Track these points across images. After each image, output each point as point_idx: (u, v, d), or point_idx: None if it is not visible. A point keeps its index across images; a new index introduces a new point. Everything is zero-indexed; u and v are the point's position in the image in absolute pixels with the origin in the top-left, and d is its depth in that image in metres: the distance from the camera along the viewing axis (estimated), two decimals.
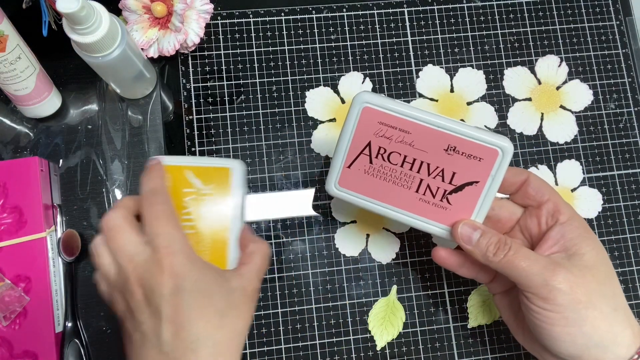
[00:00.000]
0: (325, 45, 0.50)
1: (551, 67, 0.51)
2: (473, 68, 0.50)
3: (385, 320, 0.45)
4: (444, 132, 0.35)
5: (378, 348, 0.45)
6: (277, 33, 0.50)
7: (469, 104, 0.50)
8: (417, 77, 0.50)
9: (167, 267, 0.31)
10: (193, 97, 0.48)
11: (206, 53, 0.49)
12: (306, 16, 0.50)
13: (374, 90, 0.49)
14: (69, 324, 0.43)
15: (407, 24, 0.51)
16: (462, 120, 0.49)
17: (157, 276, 0.31)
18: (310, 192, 0.47)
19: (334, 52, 0.50)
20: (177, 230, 0.33)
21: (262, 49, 0.49)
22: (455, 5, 0.52)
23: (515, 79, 0.51)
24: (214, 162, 0.43)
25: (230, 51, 0.49)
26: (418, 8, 0.51)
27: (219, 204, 0.42)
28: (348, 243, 0.46)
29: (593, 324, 0.32)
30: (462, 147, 0.35)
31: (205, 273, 0.33)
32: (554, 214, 0.36)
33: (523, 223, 0.39)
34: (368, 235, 0.47)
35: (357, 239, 0.47)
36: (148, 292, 0.31)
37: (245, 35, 0.49)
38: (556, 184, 0.49)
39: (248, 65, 0.49)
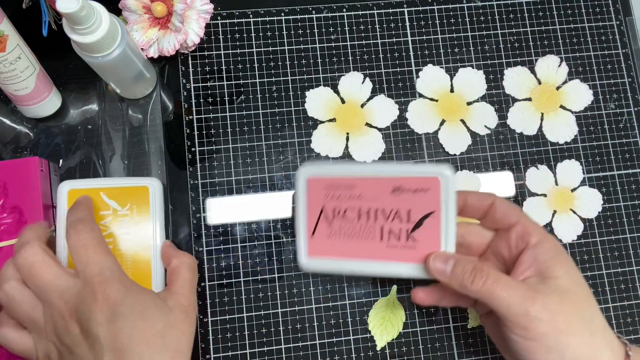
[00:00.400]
0: (325, 45, 0.50)
1: (551, 67, 0.51)
2: (473, 68, 0.50)
3: (385, 320, 0.45)
4: (384, 177, 0.36)
5: (378, 348, 0.45)
6: (277, 33, 0.50)
7: (469, 104, 0.50)
8: (417, 77, 0.50)
9: (101, 296, 0.30)
10: (193, 97, 0.48)
11: (206, 53, 0.49)
12: (306, 16, 0.50)
13: (374, 90, 0.49)
14: None
15: (407, 24, 0.51)
16: (461, 120, 0.49)
17: (92, 306, 0.30)
18: None
19: (334, 52, 0.50)
20: (107, 256, 0.33)
21: (262, 49, 0.49)
22: (455, 5, 0.52)
23: (515, 79, 0.51)
24: (130, 182, 0.43)
25: (230, 51, 0.49)
26: (418, 8, 0.51)
27: (138, 223, 0.42)
28: None
29: (575, 350, 0.32)
30: (405, 184, 0.36)
31: (141, 296, 0.32)
32: (523, 236, 0.36)
33: (494, 247, 0.38)
34: None
35: None
36: (84, 324, 0.30)
37: (245, 35, 0.49)
38: (556, 184, 0.49)
39: (248, 65, 0.49)
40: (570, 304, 0.33)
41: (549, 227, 0.48)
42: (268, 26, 0.50)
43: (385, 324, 0.45)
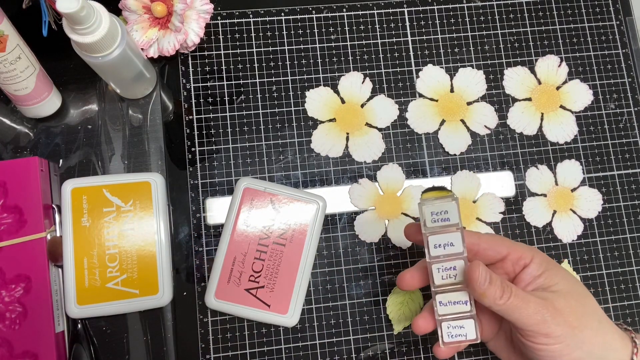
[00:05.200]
0: (325, 45, 0.50)
1: (551, 67, 0.51)
2: (473, 68, 0.50)
3: (404, 305, 0.45)
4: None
5: (395, 332, 0.45)
6: (277, 33, 0.50)
7: (469, 104, 0.50)
8: (417, 77, 0.50)
9: None
10: (193, 97, 0.48)
11: (206, 53, 0.49)
12: (306, 16, 0.50)
13: (374, 90, 0.49)
14: (79, 326, 0.43)
15: (407, 24, 0.51)
16: (461, 120, 0.49)
17: None
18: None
19: (334, 52, 0.50)
20: None
21: (262, 49, 0.49)
22: (455, 5, 0.52)
23: (515, 79, 0.51)
24: (132, 178, 0.43)
25: (230, 51, 0.49)
26: (418, 8, 0.51)
27: (142, 219, 0.42)
28: (368, 229, 0.46)
29: (591, 341, 0.35)
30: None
31: None
32: (518, 261, 0.38)
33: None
34: (388, 221, 0.47)
35: (377, 225, 0.47)
36: None
37: (245, 35, 0.49)
38: (556, 184, 0.49)
39: (248, 65, 0.49)
40: (574, 301, 0.35)
41: (549, 227, 0.48)
42: (268, 26, 0.50)
43: (403, 309, 0.45)
